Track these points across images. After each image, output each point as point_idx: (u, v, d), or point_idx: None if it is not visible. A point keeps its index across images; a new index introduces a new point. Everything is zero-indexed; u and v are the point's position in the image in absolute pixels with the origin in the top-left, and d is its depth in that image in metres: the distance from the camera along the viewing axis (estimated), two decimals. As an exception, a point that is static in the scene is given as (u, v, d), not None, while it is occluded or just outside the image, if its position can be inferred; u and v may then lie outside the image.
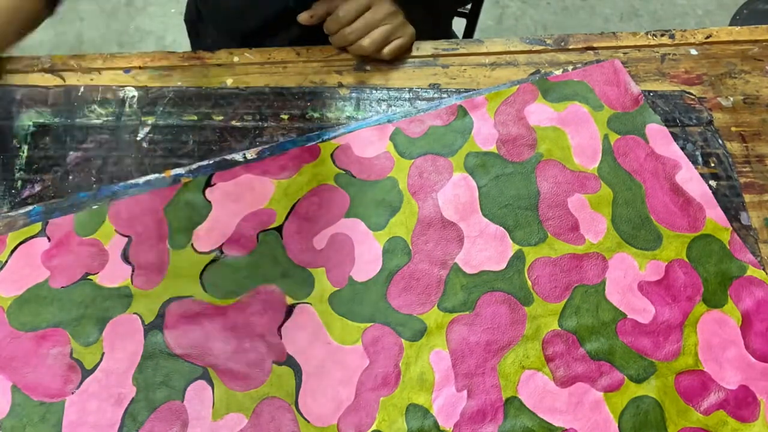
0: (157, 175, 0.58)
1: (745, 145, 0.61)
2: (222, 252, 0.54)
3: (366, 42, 0.60)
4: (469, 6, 1.00)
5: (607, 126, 0.61)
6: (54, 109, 0.62)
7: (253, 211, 0.56)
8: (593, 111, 0.62)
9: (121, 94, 0.63)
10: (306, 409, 0.48)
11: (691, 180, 0.58)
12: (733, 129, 0.62)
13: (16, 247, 0.54)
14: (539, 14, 1.78)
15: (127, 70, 0.64)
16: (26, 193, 0.58)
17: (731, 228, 0.55)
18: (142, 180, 0.58)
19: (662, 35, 0.67)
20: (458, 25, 0.99)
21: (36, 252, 0.54)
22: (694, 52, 0.67)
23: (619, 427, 0.47)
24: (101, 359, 0.50)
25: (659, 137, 0.60)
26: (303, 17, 0.61)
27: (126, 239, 0.54)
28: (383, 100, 0.63)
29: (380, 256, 0.54)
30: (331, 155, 0.59)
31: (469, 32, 1.05)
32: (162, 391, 0.48)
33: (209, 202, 0.56)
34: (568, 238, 0.55)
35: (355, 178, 0.58)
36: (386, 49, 0.62)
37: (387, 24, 0.61)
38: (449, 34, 0.95)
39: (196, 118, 0.62)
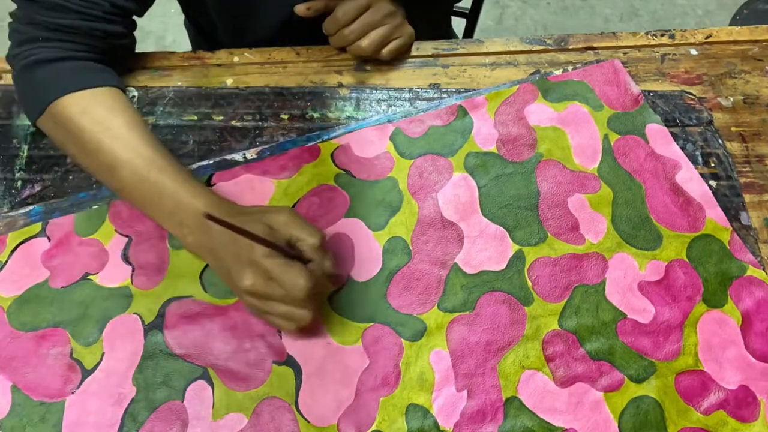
0: (157, 175, 0.58)
1: (745, 145, 0.61)
2: (222, 252, 0.54)
3: (365, 43, 0.60)
4: (469, 6, 1.00)
5: (607, 126, 0.61)
6: (54, 109, 0.62)
7: (253, 211, 0.56)
8: (593, 111, 0.62)
9: (121, 94, 0.63)
10: (306, 409, 0.48)
11: (691, 180, 0.58)
12: (733, 129, 0.62)
13: (16, 247, 0.54)
14: (539, 14, 1.78)
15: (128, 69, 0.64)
16: (26, 193, 0.58)
17: (731, 228, 0.55)
18: (142, 180, 0.58)
19: (662, 35, 0.67)
20: (458, 25, 0.99)
21: (36, 252, 0.54)
22: (694, 52, 0.66)
23: (619, 427, 0.47)
24: (101, 359, 0.50)
25: (659, 137, 0.60)
26: (300, 9, 0.61)
27: (126, 239, 0.54)
28: (383, 100, 0.63)
29: (380, 256, 0.54)
30: (331, 155, 0.59)
31: (469, 32, 1.05)
32: (162, 391, 0.48)
33: (209, 202, 0.56)
34: (568, 238, 0.55)
35: (355, 178, 0.58)
36: (385, 50, 0.62)
37: (386, 24, 0.61)
38: (449, 34, 0.95)
39: (196, 118, 0.62)
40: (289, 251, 0.45)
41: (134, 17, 0.60)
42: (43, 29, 0.53)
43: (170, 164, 0.51)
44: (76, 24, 0.53)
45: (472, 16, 1.01)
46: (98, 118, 0.52)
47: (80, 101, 0.53)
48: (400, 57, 0.65)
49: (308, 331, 0.51)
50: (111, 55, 0.58)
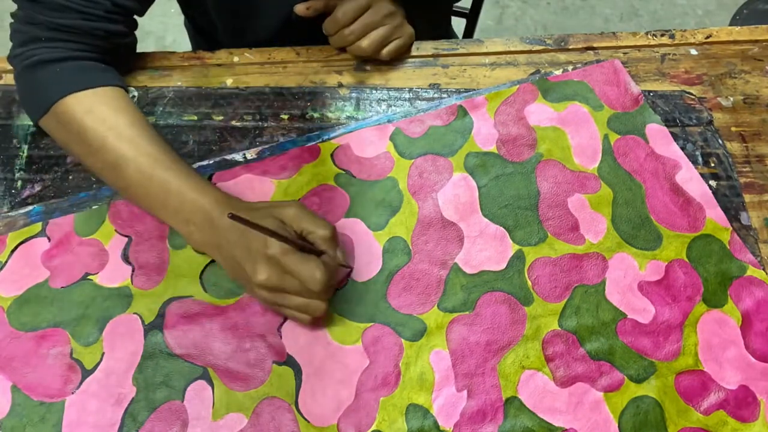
0: (157, 175, 0.58)
1: (745, 145, 0.61)
2: (222, 252, 0.54)
3: (365, 43, 0.60)
4: (469, 6, 1.00)
5: (607, 126, 0.61)
6: (54, 109, 0.62)
7: (253, 211, 0.56)
8: (593, 111, 0.62)
9: (121, 94, 0.63)
10: (306, 409, 0.48)
11: (691, 180, 0.58)
12: (733, 129, 0.62)
13: (16, 247, 0.54)
14: (539, 14, 1.78)
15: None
16: (26, 193, 0.58)
17: (731, 228, 0.55)
18: (142, 180, 0.58)
19: (662, 35, 0.67)
20: (458, 25, 0.99)
21: (36, 252, 0.54)
22: (694, 52, 0.66)
23: (619, 427, 0.47)
24: (101, 359, 0.50)
25: (659, 137, 0.60)
26: (299, 9, 0.61)
27: (126, 239, 0.54)
28: (383, 100, 0.63)
29: (380, 256, 0.54)
30: (331, 155, 0.59)
31: (469, 32, 1.05)
32: (162, 391, 0.48)
33: (209, 202, 0.56)
34: (568, 238, 0.55)
35: (355, 178, 0.58)
36: (385, 50, 0.62)
37: (386, 24, 0.61)
38: (449, 34, 0.95)
39: (196, 118, 0.62)
40: (303, 244, 0.45)
41: (135, 16, 0.60)
42: (45, 29, 0.53)
43: (175, 162, 0.51)
44: (78, 24, 0.53)
45: (472, 16, 1.01)
46: (102, 117, 0.52)
47: (84, 101, 0.53)
48: (400, 57, 0.65)
49: (309, 330, 0.51)
50: (113, 55, 0.58)
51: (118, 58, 0.59)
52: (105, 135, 0.51)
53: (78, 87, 0.53)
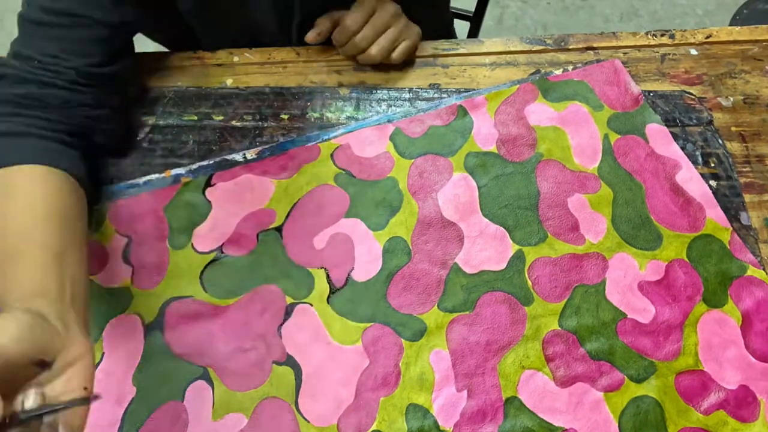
0: (157, 175, 0.58)
1: (745, 145, 0.61)
2: (222, 252, 0.54)
3: (374, 50, 0.60)
4: (473, 9, 0.99)
5: (607, 126, 0.61)
6: (54, 109, 0.62)
7: (253, 211, 0.56)
8: (593, 111, 0.62)
9: (121, 94, 0.63)
10: (306, 409, 0.48)
11: (691, 180, 0.58)
12: (733, 129, 0.62)
13: (16, 247, 0.54)
14: (539, 14, 1.78)
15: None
16: (26, 193, 0.58)
17: (731, 228, 0.55)
18: (142, 180, 0.58)
19: (662, 35, 0.67)
20: (462, 28, 0.99)
21: (36, 252, 0.54)
22: (694, 52, 0.66)
23: (619, 427, 0.47)
24: (101, 359, 0.49)
25: (659, 137, 0.60)
26: (310, 37, 0.61)
27: (126, 239, 0.54)
28: (383, 100, 0.63)
29: (380, 256, 0.54)
30: (331, 155, 0.59)
31: (473, 36, 1.04)
32: (162, 391, 0.48)
33: (209, 202, 0.56)
34: (568, 238, 0.55)
35: (355, 178, 0.58)
36: (395, 54, 0.62)
37: (393, 27, 0.60)
38: (450, 34, 0.95)
39: (196, 118, 0.62)
40: None
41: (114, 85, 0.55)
42: (7, 105, 0.49)
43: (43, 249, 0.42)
44: (36, 94, 0.49)
45: (475, 19, 1.01)
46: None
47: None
48: (409, 58, 0.65)
49: (309, 330, 0.51)
50: (86, 129, 0.53)
51: (93, 135, 0.54)
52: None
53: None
